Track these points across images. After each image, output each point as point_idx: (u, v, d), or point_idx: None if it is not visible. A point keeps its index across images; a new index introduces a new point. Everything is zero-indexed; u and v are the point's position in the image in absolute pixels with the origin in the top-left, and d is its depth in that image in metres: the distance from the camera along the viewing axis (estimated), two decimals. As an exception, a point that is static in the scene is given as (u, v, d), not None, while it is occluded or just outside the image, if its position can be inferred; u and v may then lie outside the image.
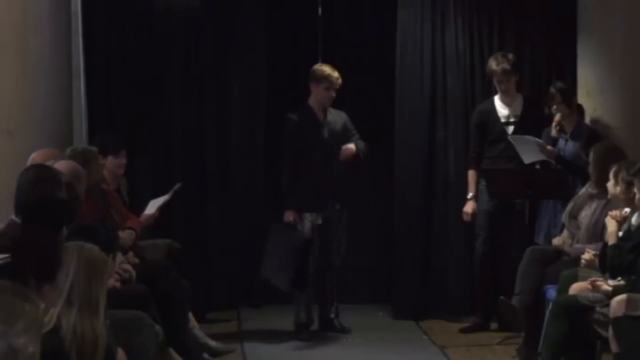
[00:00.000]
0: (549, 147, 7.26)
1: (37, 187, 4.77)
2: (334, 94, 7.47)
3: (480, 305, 7.78)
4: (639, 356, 5.02)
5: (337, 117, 7.60)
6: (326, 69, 7.51)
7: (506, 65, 7.54)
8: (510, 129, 7.63)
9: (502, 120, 7.66)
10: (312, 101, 7.55)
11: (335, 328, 7.69)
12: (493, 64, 7.61)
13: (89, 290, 3.68)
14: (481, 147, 7.72)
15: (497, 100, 7.71)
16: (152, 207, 7.02)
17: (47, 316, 3.52)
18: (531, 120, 7.62)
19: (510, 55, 7.64)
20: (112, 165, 6.97)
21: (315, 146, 7.49)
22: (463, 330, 7.67)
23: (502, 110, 7.68)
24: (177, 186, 7.15)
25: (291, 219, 7.41)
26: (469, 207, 7.73)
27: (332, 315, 7.72)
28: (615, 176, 6.01)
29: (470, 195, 7.72)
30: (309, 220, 7.46)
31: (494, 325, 7.69)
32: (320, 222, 7.46)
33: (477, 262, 7.77)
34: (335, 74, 7.46)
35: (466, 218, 7.76)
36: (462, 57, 8.14)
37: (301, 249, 7.27)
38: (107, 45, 7.99)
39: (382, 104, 8.37)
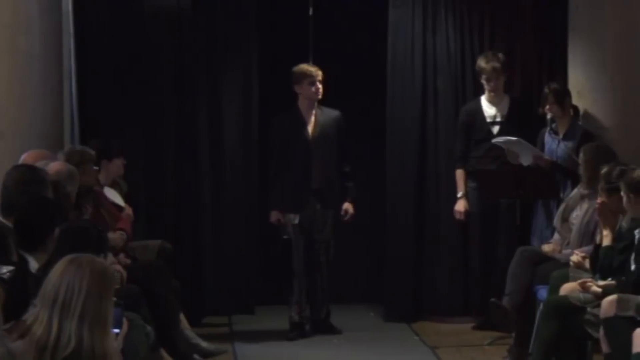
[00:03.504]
0: (545, 157, 7.27)
1: (22, 187, 4.73)
2: (319, 86, 7.50)
3: (476, 305, 7.80)
4: (629, 356, 5.02)
5: (328, 117, 7.60)
6: (303, 67, 7.60)
7: (496, 64, 7.54)
8: (496, 129, 7.64)
9: (488, 120, 7.67)
10: (301, 102, 7.59)
11: (326, 329, 7.69)
12: (482, 62, 7.61)
13: (99, 306, 3.58)
14: (467, 146, 7.73)
15: (483, 100, 7.72)
16: (113, 196, 7.01)
17: (64, 337, 3.49)
18: (517, 121, 7.62)
19: (500, 55, 7.64)
20: (116, 167, 6.99)
21: (296, 147, 7.54)
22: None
23: (488, 110, 7.69)
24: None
25: (273, 219, 7.52)
26: (460, 206, 7.74)
27: (323, 316, 7.73)
28: (601, 187, 5.97)
29: (460, 194, 7.73)
30: (289, 220, 7.52)
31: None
32: (297, 221, 7.50)
33: (469, 262, 7.78)
34: (313, 67, 7.57)
35: (458, 217, 7.76)
36: (453, 56, 8.15)
37: (281, 249, 7.48)
38: (98, 45, 7.96)
39: (373, 103, 8.36)
